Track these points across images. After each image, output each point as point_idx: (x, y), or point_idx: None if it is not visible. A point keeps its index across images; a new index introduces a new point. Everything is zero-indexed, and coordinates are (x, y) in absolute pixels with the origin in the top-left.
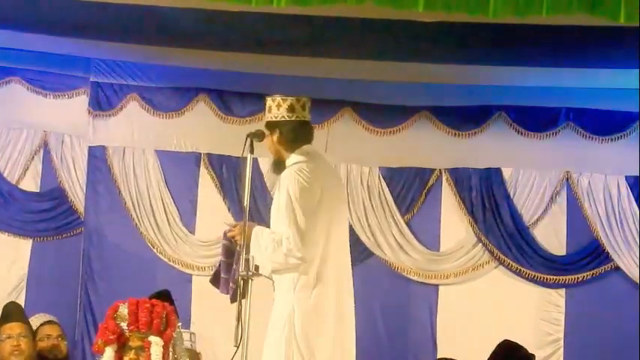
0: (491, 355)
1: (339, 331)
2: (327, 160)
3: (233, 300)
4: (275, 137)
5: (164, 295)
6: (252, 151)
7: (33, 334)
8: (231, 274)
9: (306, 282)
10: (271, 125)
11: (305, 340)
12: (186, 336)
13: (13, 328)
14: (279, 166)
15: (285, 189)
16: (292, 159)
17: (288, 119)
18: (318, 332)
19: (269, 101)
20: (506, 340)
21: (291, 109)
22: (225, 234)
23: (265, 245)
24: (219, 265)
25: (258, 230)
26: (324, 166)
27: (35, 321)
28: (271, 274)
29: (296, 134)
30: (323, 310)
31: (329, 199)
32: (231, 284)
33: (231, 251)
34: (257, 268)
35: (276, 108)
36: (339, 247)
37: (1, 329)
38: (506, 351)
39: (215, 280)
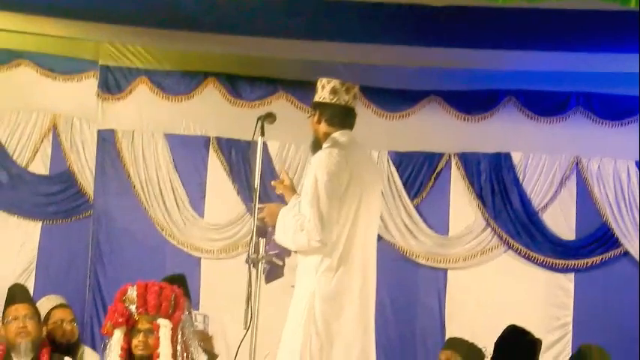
0: (498, 340)
1: (361, 317)
2: (362, 147)
3: (268, 280)
4: (315, 118)
5: (179, 279)
6: (262, 134)
7: (39, 315)
8: (266, 255)
9: (329, 266)
10: (314, 106)
11: (324, 324)
12: (199, 318)
13: (19, 309)
14: (316, 147)
15: (313, 172)
16: (326, 142)
17: (329, 102)
18: (338, 317)
19: (318, 83)
20: (512, 325)
21: (333, 91)
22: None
23: (289, 226)
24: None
25: (284, 211)
26: (358, 153)
27: (46, 302)
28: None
29: (334, 118)
30: (345, 294)
31: (358, 185)
32: (264, 265)
33: (263, 232)
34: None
35: (321, 89)
36: (366, 233)
37: (6, 311)
38: (512, 336)
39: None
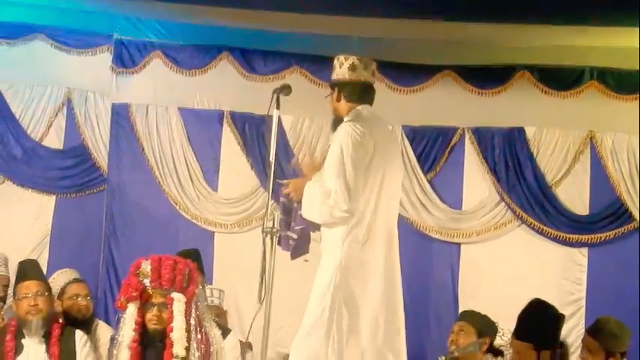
0: (521, 313)
1: (388, 289)
2: (382, 121)
3: (293, 256)
4: (335, 95)
5: (192, 254)
6: (278, 107)
7: (50, 291)
8: (291, 231)
9: (355, 237)
10: (333, 84)
11: (351, 296)
12: (215, 293)
13: (30, 286)
14: (336, 124)
15: (337, 144)
16: (348, 117)
17: (348, 79)
18: (364, 289)
19: (335, 60)
20: (536, 299)
21: (352, 68)
22: (282, 192)
23: (315, 199)
24: (280, 222)
25: (310, 184)
26: (379, 126)
27: (60, 277)
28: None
29: (353, 94)
30: (371, 266)
31: (382, 156)
32: (290, 241)
33: (289, 209)
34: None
35: (339, 67)
36: (390, 205)
37: (17, 288)
38: (537, 309)
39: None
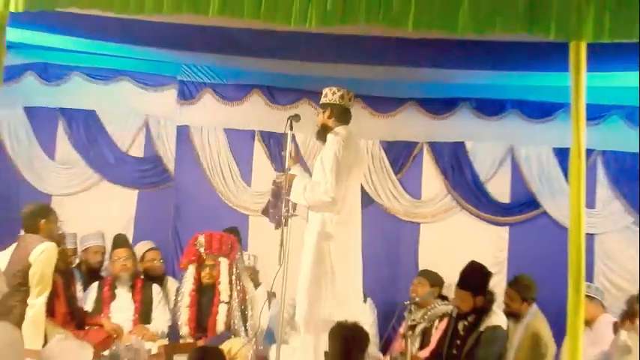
0: (463, 270)
1: (357, 262)
2: (356, 137)
3: (277, 227)
4: (327, 114)
5: (234, 230)
6: (291, 128)
7: (135, 256)
8: (277, 209)
9: (339, 220)
10: (325, 105)
11: (337, 264)
12: (250, 258)
13: (121, 252)
14: (322, 134)
15: (330, 147)
16: (335, 131)
17: (338, 103)
18: (344, 261)
19: (327, 89)
20: (473, 261)
21: (341, 97)
22: (274, 181)
23: (304, 186)
24: (268, 202)
25: (299, 177)
26: (355, 140)
27: (141, 246)
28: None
29: (340, 115)
30: (349, 243)
31: (358, 165)
32: (276, 217)
33: (278, 193)
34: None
35: (331, 94)
36: (358, 198)
37: (112, 254)
38: (473, 267)
39: (265, 212)
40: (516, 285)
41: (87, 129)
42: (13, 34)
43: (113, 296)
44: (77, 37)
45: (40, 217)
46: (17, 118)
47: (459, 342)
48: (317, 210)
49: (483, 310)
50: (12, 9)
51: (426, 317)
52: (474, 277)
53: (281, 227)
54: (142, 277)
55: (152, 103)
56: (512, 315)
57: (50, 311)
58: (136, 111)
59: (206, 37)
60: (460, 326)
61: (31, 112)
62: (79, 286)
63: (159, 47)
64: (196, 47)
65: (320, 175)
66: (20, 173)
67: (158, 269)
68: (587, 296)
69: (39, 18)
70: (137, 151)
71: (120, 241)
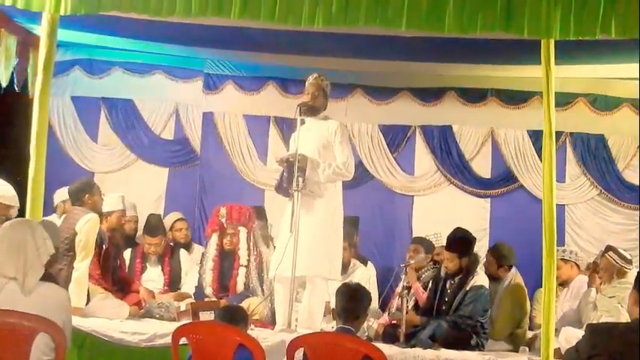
0: (449, 236)
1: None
2: None
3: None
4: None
5: (260, 209)
6: (300, 114)
7: (165, 230)
8: (289, 184)
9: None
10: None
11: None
12: (268, 227)
13: (152, 240)
14: (315, 112)
15: (341, 133)
16: (324, 114)
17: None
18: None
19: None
20: (459, 227)
21: (322, 79)
22: (287, 159)
23: (324, 167)
24: (282, 177)
25: (313, 159)
26: None
27: (172, 217)
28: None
29: (325, 98)
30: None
31: None
32: (290, 190)
33: (291, 169)
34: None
35: (312, 78)
36: None
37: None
38: (460, 233)
39: (280, 189)
40: (494, 252)
41: (125, 115)
42: (63, 34)
43: (144, 268)
44: (117, 37)
45: (84, 192)
46: (65, 106)
47: (446, 299)
48: (331, 182)
49: (468, 272)
50: (62, 12)
51: (421, 279)
52: (460, 241)
53: (292, 199)
54: (172, 244)
55: (181, 93)
56: (492, 278)
57: (95, 275)
58: (168, 100)
59: (228, 36)
60: (447, 285)
61: (77, 101)
62: None
63: (187, 45)
64: (220, 44)
65: (340, 155)
66: (68, 154)
67: (185, 237)
68: (562, 259)
69: (85, 20)
70: (168, 134)
71: (153, 227)
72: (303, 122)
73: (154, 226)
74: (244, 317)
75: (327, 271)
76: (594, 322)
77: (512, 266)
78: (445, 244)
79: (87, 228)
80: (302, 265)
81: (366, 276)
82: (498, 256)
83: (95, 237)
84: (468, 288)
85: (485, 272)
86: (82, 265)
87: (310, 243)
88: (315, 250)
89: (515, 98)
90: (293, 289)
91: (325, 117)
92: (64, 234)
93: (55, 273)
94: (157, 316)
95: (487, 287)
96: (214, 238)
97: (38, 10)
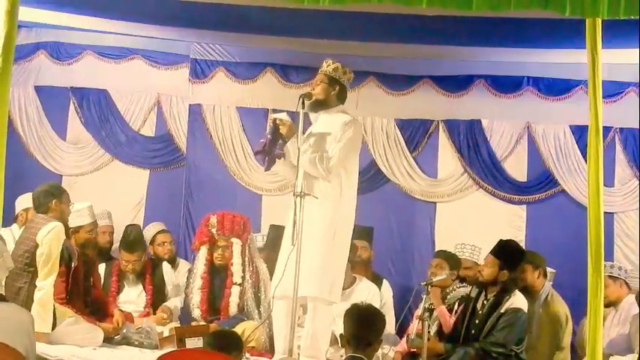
0: (501, 242)
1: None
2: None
3: (267, 169)
4: (324, 86)
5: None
6: (303, 107)
7: (145, 250)
8: (272, 150)
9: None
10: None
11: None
12: (263, 238)
13: (130, 257)
14: (320, 107)
15: (349, 129)
16: (337, 109)
17: (332, 75)
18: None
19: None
20: (508, 240)
21: (335, 69)
22: (273, 120)
23: (318, 155)
24: (266, 140)
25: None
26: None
27: (152, 228)
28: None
29: (342, 93)
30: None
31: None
32: (268, 158)
33: (276, 134)
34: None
35: (326, 66)
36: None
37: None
38: (514, 243)
39: (261, 152)
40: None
41: (98, 108)
42: (26, 13)
43: (121, 287)
44: (89, 16)
45: (52, 197)
46: (28, 97)
47: (477, 321)
48: (309, 172)
49: (504, 290)
50: None
51: (446, 300)
52: (512, 250)
53: (295, 200)
54: (153, 257)
55: (164, 82)
56: (526, 291)
57: (63, 296)
58: (148, 90)
59: (219, 15)
60: (479, 305)
61: (41, 91)
62: None
63: (171, 25)
64: (209, 25)
65: (332, 149)
66: (31, 154)
67: (168, 252)
68: (611, 276)
69: None
70: (149, 130)
71: (132, 243)
72: (306, 116)
73: (132, 240)
74: (238, 344)
75: (327, 291)
76: None
77: (546, 274)
78: (492, 249)
79: (50, 238)
80: (303, 283)
81: (372, 292)
82: (532, 260)
83: (59, 249)
84: (502, 310)
85: (520, 287)
86: (47, 283)
87: (310, 257)
88: (316, 267)
89: (555, 88)
90: (295, 311)
91: (342, 111)
92: (23, 246)
93: (13, 292)
94: (136, 342)
95: (525, 312)
96: (203, 252)
97: None
